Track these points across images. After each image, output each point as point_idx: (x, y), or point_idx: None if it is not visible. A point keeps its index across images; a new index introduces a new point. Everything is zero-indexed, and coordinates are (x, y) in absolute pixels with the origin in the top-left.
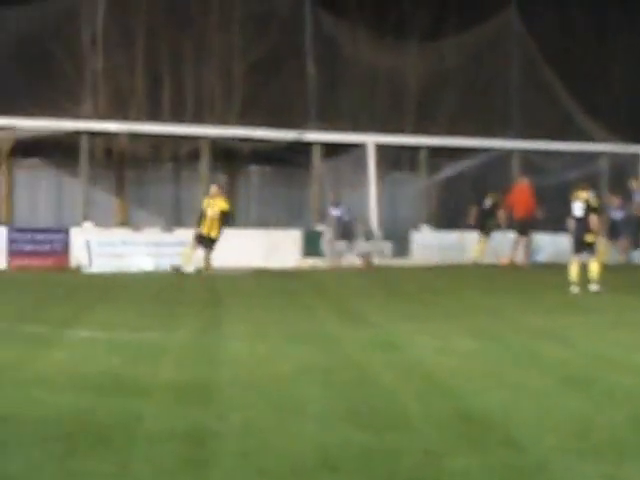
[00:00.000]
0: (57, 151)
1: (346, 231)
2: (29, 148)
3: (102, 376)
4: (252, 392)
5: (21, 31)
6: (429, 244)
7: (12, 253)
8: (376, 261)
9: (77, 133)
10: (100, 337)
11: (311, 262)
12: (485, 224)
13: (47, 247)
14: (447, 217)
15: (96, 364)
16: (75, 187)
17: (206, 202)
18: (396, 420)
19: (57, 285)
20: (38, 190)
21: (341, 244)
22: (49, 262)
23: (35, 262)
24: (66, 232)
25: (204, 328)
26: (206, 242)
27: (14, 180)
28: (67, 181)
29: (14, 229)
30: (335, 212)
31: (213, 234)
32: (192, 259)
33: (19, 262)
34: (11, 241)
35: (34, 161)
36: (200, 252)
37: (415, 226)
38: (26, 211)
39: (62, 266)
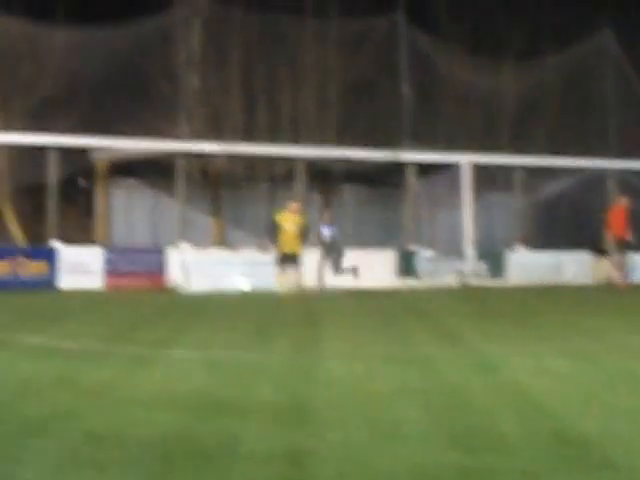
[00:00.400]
0: (153, 172)
1: (330, 250)
2: (125, 169)
3: (200, 396)
4: (350, 412)
5: (117, 52)
6: (524, 264)
7: (109, 273)
8: (471, 281)
9: (173, 154)
10: (197, 357)
11: (406, 282)
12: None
13: (143, 267)
14: (543, 237)
15: (194, 384)
16: (171, 207)
17: (282, 217)
18: (493, 441)
19: (153, 305)
20: (134, 210)
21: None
22: (145, 282)
23: (131, 282)
24: (162, 252)
25: (300, 348)
26: (291, 260)
27: (111, 200)
28: (163, 201)
29: (111, 249)
30: (325, 231)
31: (296, 250)
32: (286, 281)
33: (116, 282)
34: (108, 261)
35: (130, 182)
36: (289, 272)
37: (510, 246)
38: (123, 231)
39: (158, 286)
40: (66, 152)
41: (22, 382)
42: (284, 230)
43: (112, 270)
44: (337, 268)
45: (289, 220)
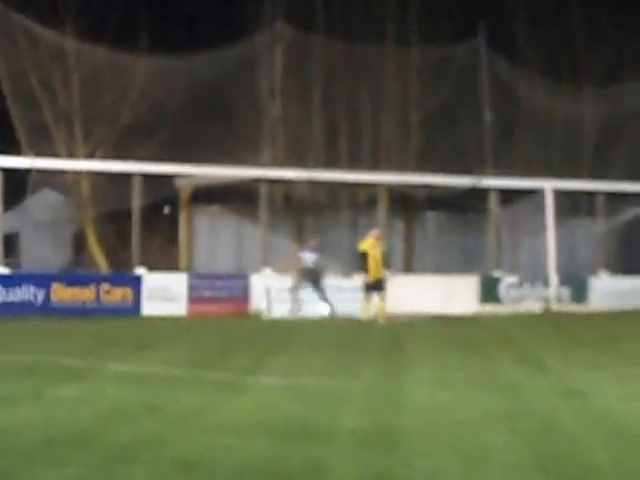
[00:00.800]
0: (237, 198)
1: (310, 276)
2: (209, 195)
3: (288, 423)
4: (437, 439)
5: (199, 80)
6: (608, 290)
7: (192, 299)
8: (554, 307)
9: (256, 180)
10: (284, 383)
11: (488, 308)
12: None
13: (227, 293)
14: (625, 262)
15: (281, 410)
16: (254, 233)
17: (369, 243)
18: (583, 467)
19: (237, 331)
20: (218, 236)
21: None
22: (229, 308)
23: (215, 308)
24: (245, 278)
25: (385, 374)
26: (377, 286)
27: (194, 227)
28: (247, 227)
29: (194, 275)
30: (306, 255)
31: (381, 276)
32: (372, 307)
33: (199, 308)
34: (192, 287)
35: (214, 208)
36: (375, 299)
37: (593, 272)
38: (206, 258)
39: (242, 312)
40: (150, 179)
41: (111, 409)
42: (371, 257)
43: (195, 296)
44: (320, 294)
45: (374, 247)
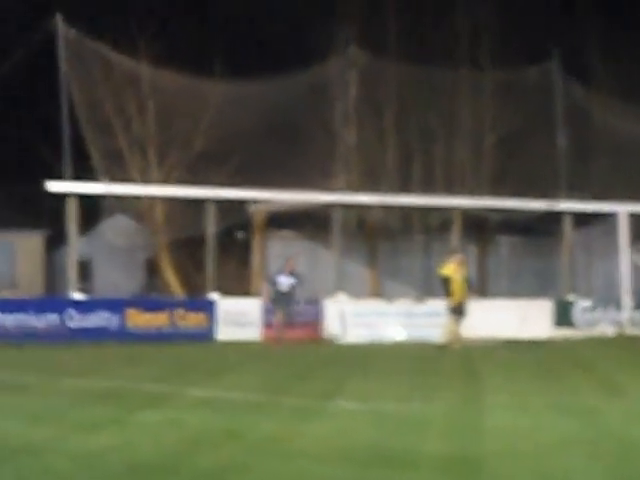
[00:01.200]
0: (310, 223)
1: (282, 301)
2: (282, 220)
3: (367, 448)
4: (519, 463)
5: (274, 105)
6: None
7: (267, 324)
8: (628, 331)
9: (330, 205)
10: (361, 408)
11: (562, 332)
12: None
13: (301, 318)
14: None
15: (361, 436)
16: (327, 258)
17: (451, 268)
18: None
19: (312, 356)
20: None
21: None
22: (303, 333)
23: (289, 333)
24: (319, 303)
25: (463, 399)
26: (460, 311)
27: (267, 252)
28: (320, 252)
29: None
30: (281, 279)
31: (464, 300)
32: (455, 331)
33: (274, 333)
34: (266, 312)
35: (287, 233)
36: (458, 322)
37: None
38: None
39: (315, 337)
40: (223, 204)
41: (193, 435)
42: (454, 281)
43: (270, 321)
44: (290, 319)
45: (456, 271)
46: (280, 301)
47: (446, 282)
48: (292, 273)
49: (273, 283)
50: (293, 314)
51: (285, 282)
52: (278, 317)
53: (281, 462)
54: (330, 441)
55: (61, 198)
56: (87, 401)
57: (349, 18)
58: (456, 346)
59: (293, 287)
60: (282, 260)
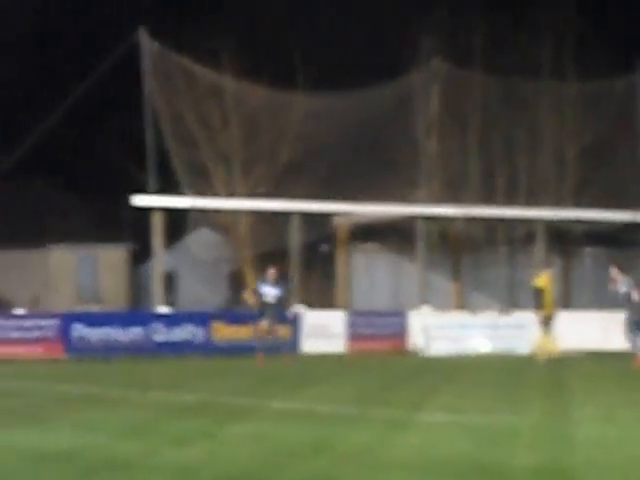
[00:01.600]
0: (393, 235)
1: (268, 310)
2: (366, 233)
3: (457, 460)
4: (610, 475)
5: (357, 117)
6: None
7: (351, 337)
8: None
9: (413, 218)
10: (449, 420)
11: None
12: None
13: (385, 330)
14: None
15: (450, 447)
16: (411, 270)
17: (545, 280)
18: None
19: (397, 368)
20: (375, 274)
21: None
22: (387, 345)
23: (374, 345)
24: (403, 316)
25: (552, 410)
26: (550, 322)
27: (351, 264)
28: (404, 265)
29: (353, 313)
30: (266, 289)
31: (554, 312)
32: (547, 342)
33: (357, 346)
34: (350, 325)
35: (371, 245)
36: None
37: None
38: (364, 295)
39: (400, 349)
40: (307, 217)
41: (281, 447)
42: (547, 292)
43: (354, 333)
44: (273, 331)
45: (550, 283)
46: (267, 312)
47: (539, 294)
48: (277, 283)
49: (259, 294)
50: (277, 326)
51: (270, 293)
52: (262, 326)
53: (370, 474)
54: (419, 453)
55: (145, 212)
56: (174, 415)
57: (432, 30)
58: (542, 358)
59: (279, 298)
60: (366, 272)
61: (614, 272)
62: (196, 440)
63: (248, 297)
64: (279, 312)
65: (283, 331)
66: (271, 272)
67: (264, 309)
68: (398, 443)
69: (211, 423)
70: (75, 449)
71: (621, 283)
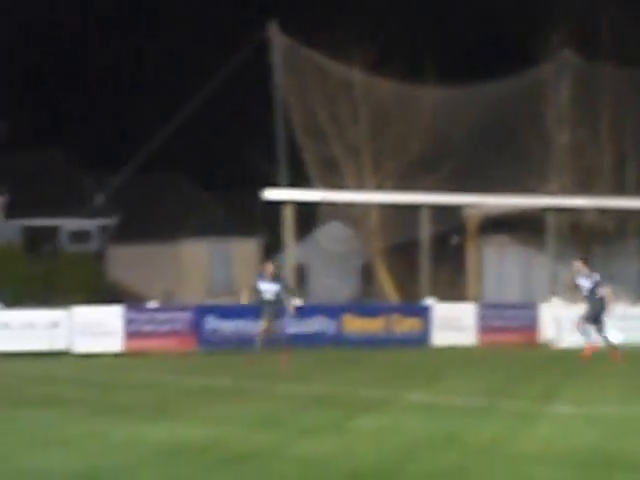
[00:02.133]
0: (524, 228)
1: (268, 308)
2: (496, 225)
3: (588, 450)
4: None
5: (485, 109)
6: None
7: (481, 329)
8: None
9: (543, 209)
10: (581, 412)
11: None
12: None
13: (516, 323)
14: None
15: (581, 439)
16: (542, 263)
17: None
18: None
19: (528, 361)
20: (506, 266)
21: None
22: (518, 338)
23: (504, 338)
24: (534, 308)
25: None
26: None
27: (482, 257)
28: (534, 257)
29: (484, 305)
30: (265, 286)
31: None
32: None
33: (488, 338)
34: (481, 317)
35: (502, 238)
36: None
37: None
38: (494, 287)
39: (531, 341)
40: (437, 210)
41: (412, 440)
42: None
43: (484, 326)
44: (278, 330)
45: None
46: (267, 311)
47: None
48: (275, 278)
49: (257, 291)
50: (282, 325)
51: (269, 289)
52: (262, 326)
53: (501, 465)
54: (550, 444)
55: (276, 205)
56: (305, 406)
57: (562, 22)
58: None
59: (279, 294)
60: (496, 264)
61: (578, 265)
62: (327, 432)
63: (244, 297)
64: (278, 309)
65: (412, 323)
66: (268, 267)
67: (262, 307)
68: (528, 435)
69: (341, 415)
70: (207, 442)
71: (585, 277)
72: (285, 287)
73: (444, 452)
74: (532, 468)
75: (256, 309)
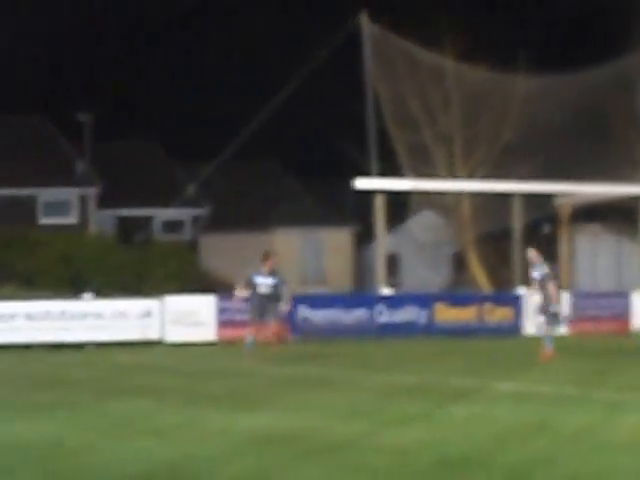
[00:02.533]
0: (616, 216)
1: (263, 303)
2: (589, 214)
3: None
4: None
5: (577, 97)
6: None
7: (574, 318)
8: None
9: (636, 198)
10: None
11: None
12: None
13: (608, 312)
14: None
15: None
16: (635, 252)
17: None
18: None
19: (620, 350)
20: (598, 255)
21: None
22: (610, 326)
23: (596, 327)
24: (627, 296)
25: None
26: None
27: (575, 246)
28: (627, 246)
29: (577, 294)
30: (260, 279)
31: None
32: None
33: (582, 327)
34: (574, 306)
35: (594, 226)
36: None
37: None
38: (587, 276)
39: (623, 330)
40: (529, 198)
41: (503, 428)
42: None
43: (578, 315)
44: (276, 325)
45: None
46: (262, 305)
47: None
48: (272, 272)
49: (252, 285)
50: (279, 318)
51: (264, 282)
52: (253, 323)
53: (590, 455)
54: (639, 434)
55: (368, 195)
56: (396, 396)
57: None
58: None
59: (275, 288)
60: (589, 254)
61: (532, 254)
62: (416, 421)
63: (239, 293)
64: (274, 306)
65: (504, 312)
66: (267, 260)
67: (258, 302)
68: (618, 424)
69: (432, 405)
70: (298, 431)
71: (537, 267)
72: (283, 282)
73: (533, 441)
74: (621, 457)
75: (347, 299)
